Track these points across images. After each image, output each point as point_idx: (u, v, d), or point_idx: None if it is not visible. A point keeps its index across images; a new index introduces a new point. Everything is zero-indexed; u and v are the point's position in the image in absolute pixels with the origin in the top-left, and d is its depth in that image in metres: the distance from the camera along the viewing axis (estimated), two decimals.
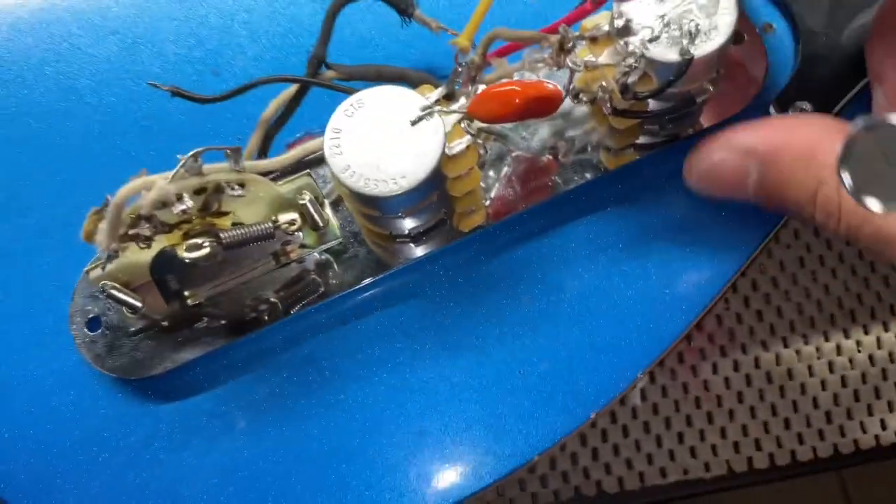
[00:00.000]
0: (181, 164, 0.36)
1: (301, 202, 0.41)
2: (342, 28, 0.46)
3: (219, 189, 0.38)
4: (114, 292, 0.41)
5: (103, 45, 0.51)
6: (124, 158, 0.50)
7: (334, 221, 0.43)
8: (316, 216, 0.42)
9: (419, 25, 0.45)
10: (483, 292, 0.47)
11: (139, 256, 0.40)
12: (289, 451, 0.45)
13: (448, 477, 0.46)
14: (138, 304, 0.41)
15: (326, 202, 0.44)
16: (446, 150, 0.38)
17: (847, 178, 0.28)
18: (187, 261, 0.39)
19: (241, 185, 0.39)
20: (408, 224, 0.42)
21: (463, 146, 0.38)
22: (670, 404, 0.58)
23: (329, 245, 0.43)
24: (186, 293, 0.42)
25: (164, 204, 0.36)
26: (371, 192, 0.37)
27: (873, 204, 0.28)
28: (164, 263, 0.40)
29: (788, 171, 0.36)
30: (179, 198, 0.36)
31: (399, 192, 0.36)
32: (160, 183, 0.36)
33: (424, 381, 0.47)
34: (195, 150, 0.37)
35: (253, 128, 0.46)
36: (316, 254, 0.43)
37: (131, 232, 0.37)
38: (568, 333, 0.47)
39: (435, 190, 0.39)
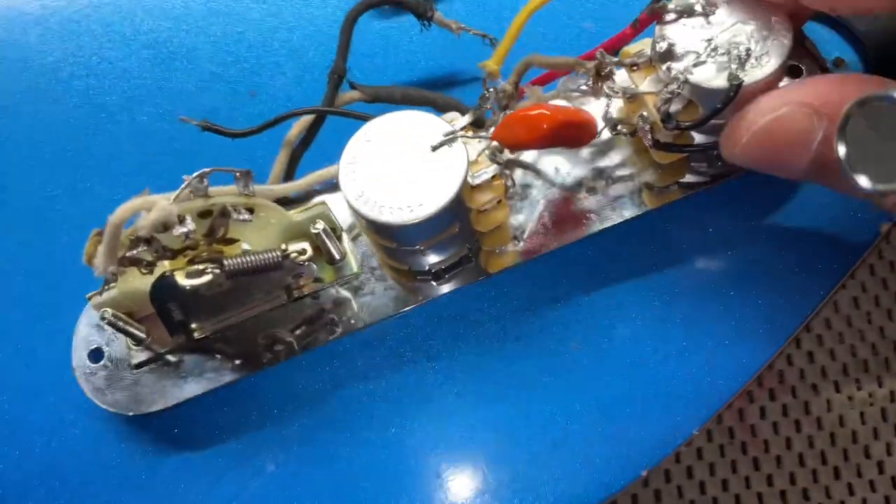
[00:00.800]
0: (185, 184, 0.34)
1: (314, 231, 0.38)
2: (360, 35, 0.44)
3: (225, 213, 0.36)
4: (114, 320, 0.38)
5: (135, 59, 0.49)
6: (154, 179, 0.47)
7: (352, 255, 0.40)
8: (331, 247, 0.39)
9: (439, 28, 0.43)
10: (518, 335, 0.45)
11: (145, 283, 0.37)
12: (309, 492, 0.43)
13: None
14: (141, 334, 0.39)
15: (345, 235, 0.41)
16: (469, 179, 0.35)
17: (842, 151, 0.27)
18: (188, 288, 0.36)
19: (251, 211, 0.36)
20: (428, 259, 0.39)
21: (488, 176, 0.36)
22: (715, 449, 0.56)
23: (345, 280, 0.40)
24: (193, 325, 0.39)
25: (165, 226, 0.34)
26: (385, 221, 0.34)
27: (863, 180, 0.27)
28: (166, 290, 0.37)
29: None
30: (182, 220, 0.34)
31: (415, 220, 0.34)
32: (161, 203, 0.34)
33: (462, 428, 0.44)
34: (201, 171, 0.35)
35: None
36: (333, 290, 0.41)
37: (130, 255, 0.35)
38: (618, 384, 0.45)
39: (455, 221, 0.36)
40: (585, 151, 0.42)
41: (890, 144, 0.26)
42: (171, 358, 0.40)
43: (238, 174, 0.36)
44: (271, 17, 0.50)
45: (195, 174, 0.35)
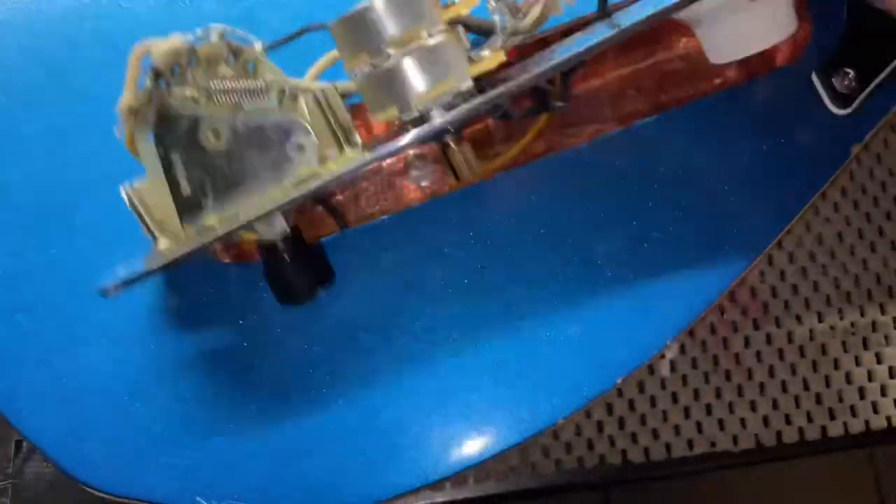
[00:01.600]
0: (201, 34, 0.39)
1: (315, 95, 0.41)
2: None
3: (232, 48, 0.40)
4: (135, 202, 0.40)
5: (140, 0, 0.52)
6: None
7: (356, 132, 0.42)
8: (331, 117, 0.41)
9: None
10: (509, 249, 0.47)
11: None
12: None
13: (472, 438, 0.47)
14: (157, 232, 0.40)
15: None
16: None
17: None
18: (182, 112, 0.40)
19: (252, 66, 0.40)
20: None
21: None
22: (700, 376, 0.58)
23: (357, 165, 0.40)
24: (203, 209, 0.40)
25: (175, 62, 0.39)
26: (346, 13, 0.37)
27: None
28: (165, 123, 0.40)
29: None
30: (192, 55, 0.39)
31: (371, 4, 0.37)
32: (173, 39, 0.38)
33: (450, 342, 0.47)
34: (218, 25, 0.39)
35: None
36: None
37: (148, 91, 0.39)
38: (597, 298, 0.47)
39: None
40: None
41: None
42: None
43: (220, 28, 0.40)
44: None
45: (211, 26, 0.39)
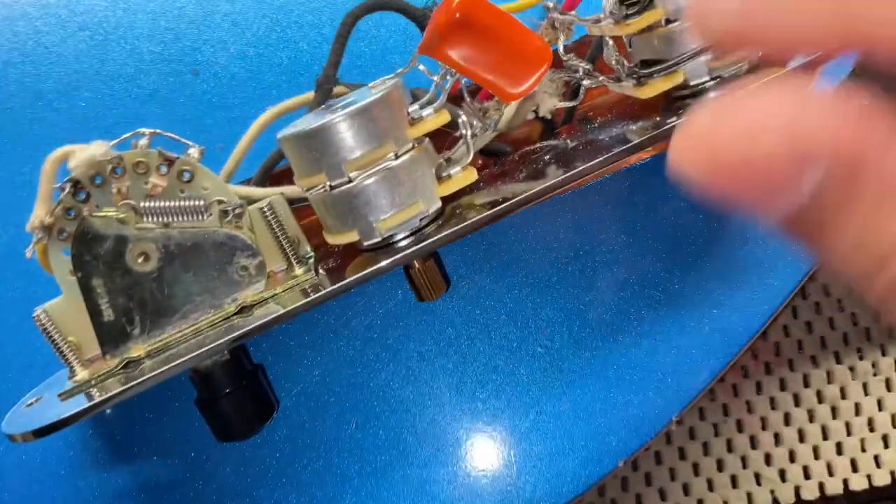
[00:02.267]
0: (127, 135, 0.35)
1: (259, 208, 0.36)
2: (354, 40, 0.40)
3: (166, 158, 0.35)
4: (47, 325, 0.35)
5: (72, 42, 0.46)
6: None
7: (304, 239, 0.37)
8: (277, 228, 0.36)
9: None
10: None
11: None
12: None
13: None
14: (72, 357, 0.35)
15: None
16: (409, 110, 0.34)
17: None
18: (109, 234, 0.34)
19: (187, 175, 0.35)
20: (374, 204, 0.34)
21: (429, 111, 0.34)
22: (709, 428, 0.53)
23: (300, 276, 0.36)
24: (129, 340, 0.35)
25: (98, 170, 0.34)
26: (306, 128, 0.33)
27: None
28: (86, 245, 0.34)
29: (873, 202, 0.19)
30: (117, 165, 0.34)
31: (335, 120, 0.32)
32: (97, 143, 0.34)
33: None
34: (146, 130, 0.35)
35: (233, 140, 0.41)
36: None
37: (65, 205, 0.34)
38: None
39: (389, 141, 0.33)
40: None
41: None
42: (97, 394, 0.34)
43: (149, 132, 0.35)
44: None
45: (138, 130, 0.35)
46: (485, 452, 0.44)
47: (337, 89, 0.39)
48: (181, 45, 0.46)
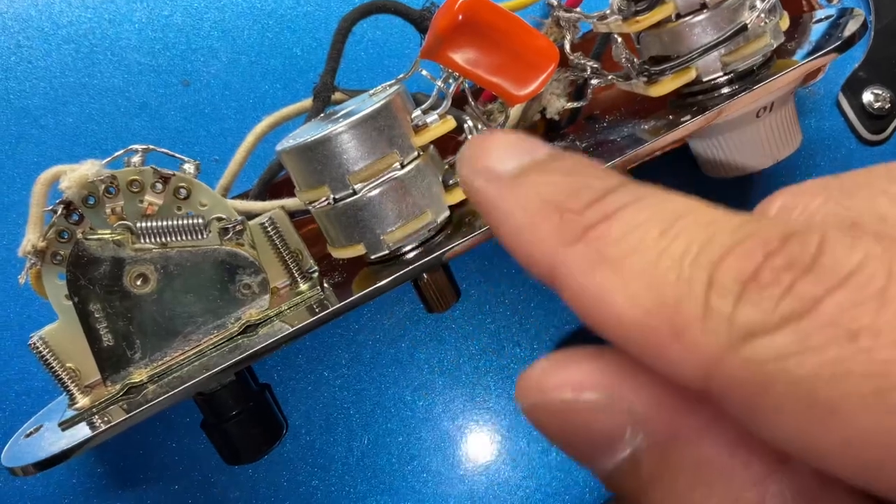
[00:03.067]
0: (119, 153, 0.33)
1: (259, 224, 0.34)
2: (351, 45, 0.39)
3: (162, 176, 0.33)
4: (44, 351, 0.34)
5: (56, 56, 0.44)
6: None
7: (307, 252, 0.36)
8: (279, 243, 0.34)
9: None
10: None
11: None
12: None
13: None
14: (71, 384, 0.34)
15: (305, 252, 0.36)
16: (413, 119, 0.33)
17: None
18: (105, 255, 0.33)
19: (184, 192, 0.34)
20: (381, 214, 0.33)
21: (433, 117, 0.33)
22: None
23: (306, 292, 0.35)
24: (130, 365, 0.34)
25: (90, 191, 0.32)
26: (309, 140, 0.31)
27: None
28: (82, 267, 0.33)
29: (682, 477, 0.20)
30: (111, 184, 0.33)
31: (337, 131, 0.31)
32: (89, 163, 0.32)
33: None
34: (139, 146, 0.33)
35: (228, 152, 0.40)
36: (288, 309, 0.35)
37: (57, 227, 0.33)
38: None
39: (394, 150, 0.32)
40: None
41: None
42: (99, 422, 0.32)
43: (141, 148, 0.34)
44: None
45: (130, 147, 0.33)
46: (503, 464, 0.43)
47: (336, 96, 0.38)
48: (170, 54, 0.44)
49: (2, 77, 0.44)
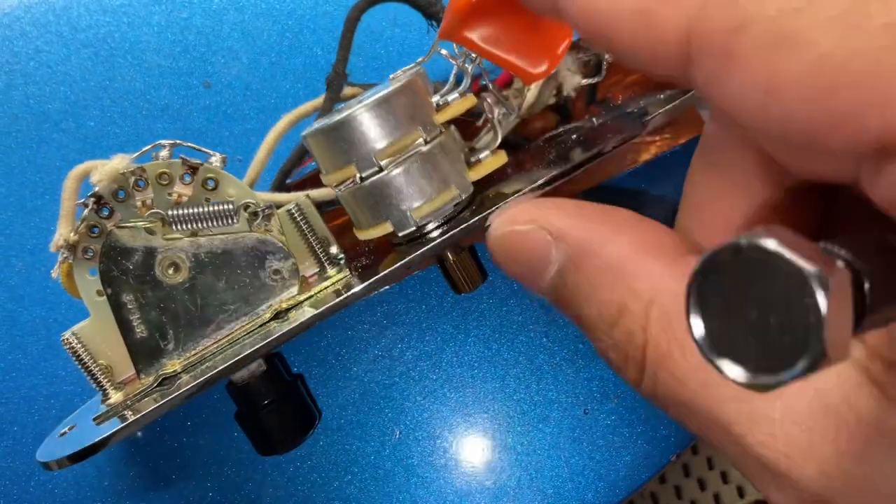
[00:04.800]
0: (148, 147, 0.33)
1: (286, 210, 0.34)
2: (360, 35, 0.38)
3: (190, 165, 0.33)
4: (77, 347, 0.34)
5: (76, 60, 0.44)
6: None
7: (334, 240, 0.35)
8: (306, 229, 0.34)
9: None
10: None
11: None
12: None
13: None
14: (103, 378, 0.34)
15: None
16: (436, 98, 0.33)
17: (698, 328, 0.18)
18: (137, 246, 0.33)
19: (212, 183, 0.34)
20: (406, 192, 0.33)
21: (455, 95, 0.33)
22: None
23: (334, 275, 0.34)
24: (163, 356, 0.34)
25: (120, 184, 0.33)
26: (332, 120, 0.31)
27: (732, 370, 0.18)
28: (115, 258, 0.33)
29: (591, 280, 0.26)
30: (140, 177, 0.33)
31: (361, 108, 0.31)
32: (119, 157, 0.33)
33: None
34: (166, 141, 0.33)
35: (250, 152, 0.40)
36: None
37: (88, 222, 0.33)
38: None
39: (418, 127, 0.32)
40: None
41: (761, 313, 0.18)
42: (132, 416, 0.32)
43: (169, 143, 0.34)
44: None
45: (158, 142, 0.33)
46: (535, 454, 0.43)
47: (347, 91, 0.38)
48: (190, 57, 0.45)
49: (21, 82, 0.44)
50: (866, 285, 0.18)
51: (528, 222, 0.28)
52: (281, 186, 0.38)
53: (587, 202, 0.28)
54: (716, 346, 0.18)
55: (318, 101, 0.38)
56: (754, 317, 0.17)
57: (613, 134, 0.33)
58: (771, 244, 0.17)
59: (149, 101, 0.44)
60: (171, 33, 0.45)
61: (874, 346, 0.22)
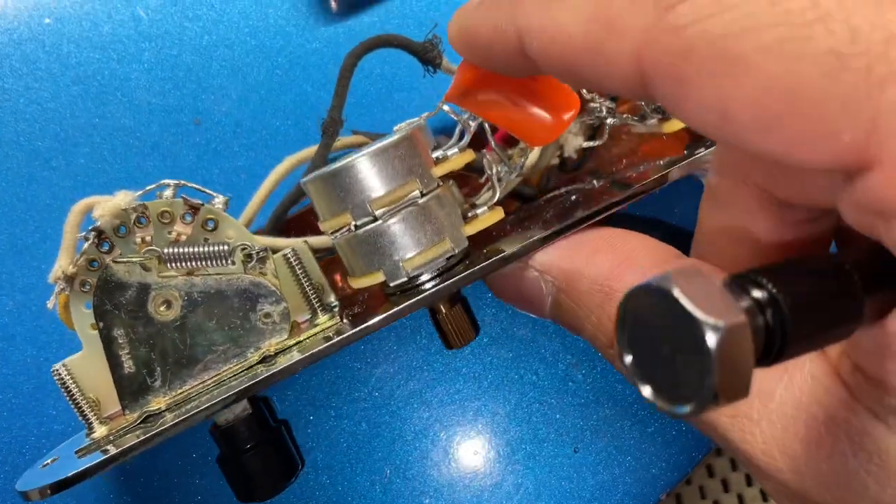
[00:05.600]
0: (152, 186, 0.34)
1: (283, 255, 0.34)
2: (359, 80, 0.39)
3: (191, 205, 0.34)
4: (66, 379, 0.34)
5: (66, 97, 0.44)
6: None
7: (329, 287, 0.36)
8: (301, 274, 0.35)
9: (445, 75, 0.38)
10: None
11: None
12: None
13: None
14: (91, 414, 0.34)
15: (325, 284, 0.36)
16: (436, 153, 0.33)
17: (627, 356, 0.20)
18: (132, 282, 0.33)
19: (212, 224, 0.34)
20: (400, 243, 0.33)
21: (454, 150, 0.33)
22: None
23: (325, 322, 0.35)
24: (149, 394, 0.34)
25: (122, 220, 0.33)
26: (330, 168, 0.32)
27: (652, 396, 0.19)
28: (109, 294, 0.33)
29: (580, 302, 0.30)
30: (142, 214, 0.33)
31: (359, 157, 0.32)
32: (122, 194, 0.33)
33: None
34: (171, 181, 0.34)
35: (240, 189, 0.40)
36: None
37: (88, 256, 0.33)
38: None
39: (414, 178, 0.32)
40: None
41: (670, 349, 0.18)
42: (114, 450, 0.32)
43: (173, 182, 0.34)
44: (207, 35, 0.45)
45: (163, 181, 0.34)
46: (526, 495, 0.43)
47: (353, 139, 0.39)
48: (180, 94, 0.45)
49: (11, 119, 0.44)
50: (789, 317, 0.19)
51: (525, 268, 0.31)
52: (273, 229, 0.38)
53: (572, 234, 0.31)
54: (639, 372, 0.19)
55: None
56: (668, 351, 0.19)
57: (611, 196, 0.33)
58: (672, 289, 0.18)
59: (139, 138, 0.44)
60: (161, 70, 0.45)
61: (843, 348, 0.23)
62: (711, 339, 0.17)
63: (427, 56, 0.37)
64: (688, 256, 0.29)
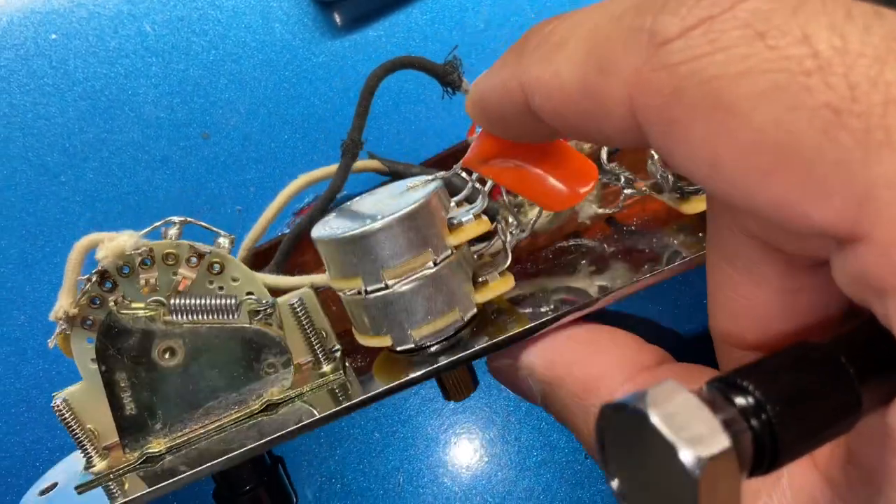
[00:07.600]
0: (157, 224, 0.34)
1: (289, 304, 0.34)
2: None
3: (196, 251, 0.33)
4: (64, 411, 0.34)
5: (73, 112, 0.45)
6: None
7: (332, 334, 0.36)
8: (306, 325, 0.34)
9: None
10: None
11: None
12: None
13: None
14: (89, 447, 0.34)
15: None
16: (449, 215, 0.32)
17: (612, 476, 0.19)
18: (135, 326, 0.33)
19: (217, 267, 0.34)
20: (409, 311, 0.33)
21: (468, 216, 0.32)
22: None
23: (328, 373, 0.34)
24: (150, 435, 0.34)
25: (126, 261, 0.33)
26: (343, 235, 0.31)
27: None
28: (112, 338, 0.33)
29: (564, 404, 0.30)
30: (146, 255, 0.33)
31: (371, 229, 0.31)
32: (126, 234, 0.33)
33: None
34: (176, 218, 0.34)
35: (249, 202, 0.40)
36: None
37: (90, 294, 0.33)
38: None
39: (427, 249, 0.32)
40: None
41: (654, 471, 0.18)
42: (115, 490, 0.33)
43: (179, 220, 0.34)
44: (214, 50, 0.45)
45: (168, 219, 0.34)
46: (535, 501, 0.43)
47: (370, 163, 0.39)
48: (189, 108, 0.45)
49: (20, 135, 0.44)
50: (777, 423, 0.18)
51: (507, 357, 0.32)
52: (281, 264, 0.38)
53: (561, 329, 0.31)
54: (624, 490, 0.19)
55: (328, 169, 0.38)
56: (650, 471, 0.18)
57: (625, 269, 0.34)
58: (650, 414, 0.17)
59: (147, 152, 0.44)
60: (168, 85, 0.45)
61: (833, 454, 0.22)
62: (695, 470, 0.16)
63: (448, 79, 0.37)
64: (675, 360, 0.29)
